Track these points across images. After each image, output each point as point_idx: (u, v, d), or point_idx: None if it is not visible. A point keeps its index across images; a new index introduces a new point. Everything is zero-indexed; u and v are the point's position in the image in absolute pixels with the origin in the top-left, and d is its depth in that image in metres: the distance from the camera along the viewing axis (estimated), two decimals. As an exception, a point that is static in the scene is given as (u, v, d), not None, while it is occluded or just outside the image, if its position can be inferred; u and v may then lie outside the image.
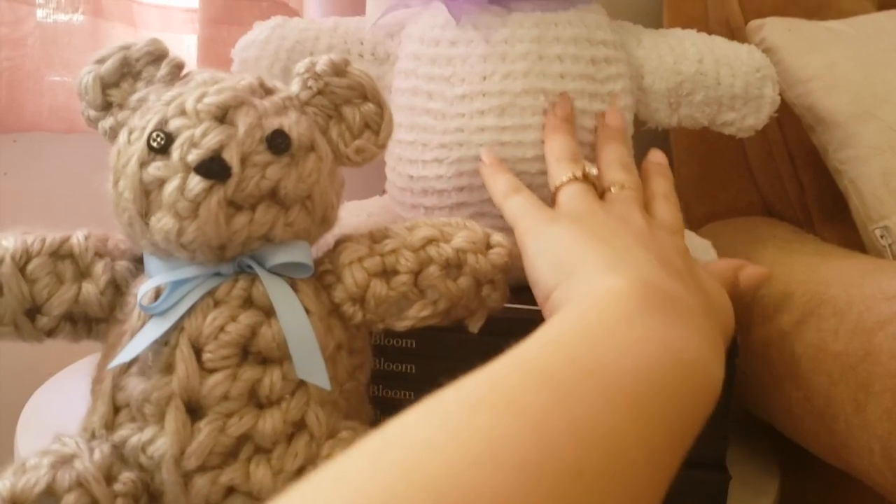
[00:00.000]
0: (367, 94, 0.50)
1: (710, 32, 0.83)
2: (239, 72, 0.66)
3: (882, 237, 0.71)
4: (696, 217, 0.92)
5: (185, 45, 0.83)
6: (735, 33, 0.86)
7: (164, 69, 0.49)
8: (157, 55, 0.50)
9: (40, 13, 0.69)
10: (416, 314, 0.50)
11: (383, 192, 0.70)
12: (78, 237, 0.50)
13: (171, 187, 0.44)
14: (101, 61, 0.50)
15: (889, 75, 0.74)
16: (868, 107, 0.72)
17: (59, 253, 0.49)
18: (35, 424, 0.64)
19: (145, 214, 0.45)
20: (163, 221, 0.44)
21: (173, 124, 0.45)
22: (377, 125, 0.50)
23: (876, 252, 0.72)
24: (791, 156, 0.85)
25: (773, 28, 0.77)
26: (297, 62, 0.61)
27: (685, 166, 0.93)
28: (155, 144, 0.45)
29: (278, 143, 0.45)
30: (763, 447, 0.67)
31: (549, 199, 0.56)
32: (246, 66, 0.65)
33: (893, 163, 0.71)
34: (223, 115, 0.45)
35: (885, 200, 0.71)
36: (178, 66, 0.50)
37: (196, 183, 0.43)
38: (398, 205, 0.66)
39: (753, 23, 0.80)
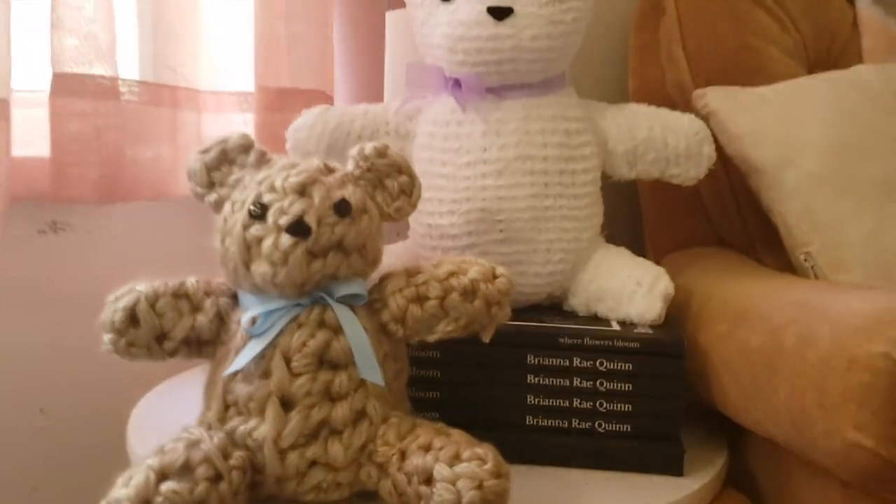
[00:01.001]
0: (402, 169, 0.68)
1: (666, 94, 1.02)
2: (292, 148, 0.84)
3: (805, 260, 0.89)
4: (660, 248, 1.09)
5: (234, 122, 1.01)
6: (686, 94, 1.04)
7: (252, 156, 0.67)
8: (246, 146, 0.68)
9: (131, 107, 0.87)
10: (443, 329, 0.67)
11: (406, 237, 0.88)
12: (191, 281, 0.67)
13: (267, 243, 0.62)
14: (205, 152, 0.68)
15: (805, 131, 0.91)
16: (789, 157, 0.90)
17: (178, 293, 0.66)
18: (144, 426, 0.81)
19: (247, 263, 0.63)
20: (262, 268, 0.62)
21: (266, 198, 0.63)
22: (410, 191, 0.68)
23: (802, 272, 0.90)
24: (736, 196, 1.03)
25: (714, 96, 0.96)
26: (337, 140, 0.81)
27: (650, 206, 1.11)
28: (254, 213, 0.62)
29: (342, 208, 0.63)
30: (712, 428, 0.84)
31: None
32: (297, 144, 0.83)
33: (811, 201, 0.89)
34: (303, 190, 0.63)
35: (807, 231, 0.89)
36: (263, 154, 0.68)
37: (286, 240, 0.61)
38: (420, 247, 0.84)
39: (697, 91, 0.98)
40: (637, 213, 1.14)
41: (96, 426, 1.01)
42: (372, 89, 1.00)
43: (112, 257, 0.99)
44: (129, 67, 0.93)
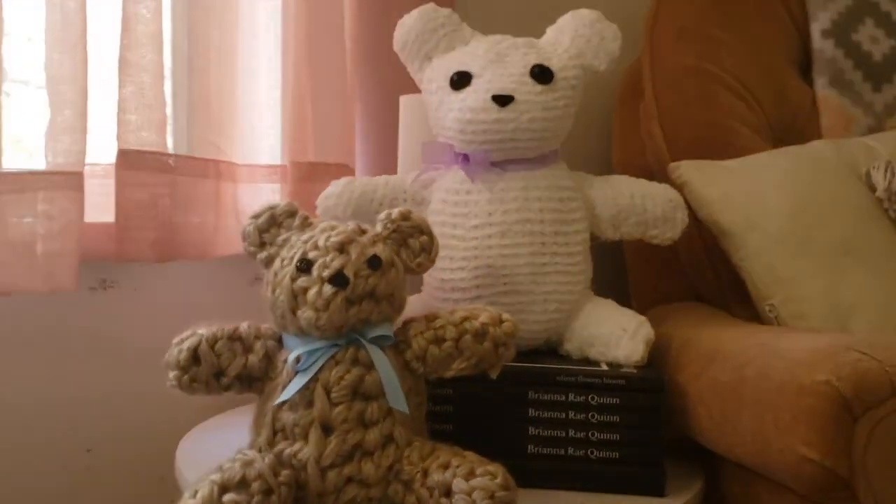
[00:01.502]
0: (423, 230, 0.81)
1: (646, 165, 1.15)
2: (322, 213, 0.96)
3: (770, 311, 1.01)
4: (643, 302, 1.22)
5: (264, 192, 1.14)
6: (664, 166, 1.17)
7: (297, 220, 0.80)
8: (291, 212, 0.80)
9: (181, 178, 1.00)
10: (458, 366, 0.79)
11: (420, 291, 1.00)
12: (244, 326, 0.79)
13: (312, 293, 0.74)
14: (256, 217, 0.80)
15: (766, 198, 1.04)
16: (752, 221, 1.03)
17: (233, 336, 0.78)
18: (192, 456, 0.91)
19: (294, 310, 0.75)
20: (307, 314, 0.74)
21: (311, 255, 0.75)
22: (430, 249, 0.81)
23: (767, 321, 1.02)
24: (709, 256, 1.15)
25: (687, 169, 1.09)
26: (362, 206, 0.94)
27: (635, 265, 1.24)
28: (301, 267, 0.75)
29: (374, 263, 0.75)
30: (690, 458, 0.95)
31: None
32: (327, 210, 0.96)
33: (772, 259, 1.01)
34: (342, 248, 0.75)
35: (769, 285, 1.01)
36: (306, 218, 0.80)
37: (329, 289, 0.73)
38: (433, 299, 0.96)
39: (672, 164, 1.11)
40: (622, 272, 1.27)
41: (138, 466, 1.11)
42: (387, 163, 1.13)
43: (155, 312, 1.11)
44: (179, 144, 1.07)
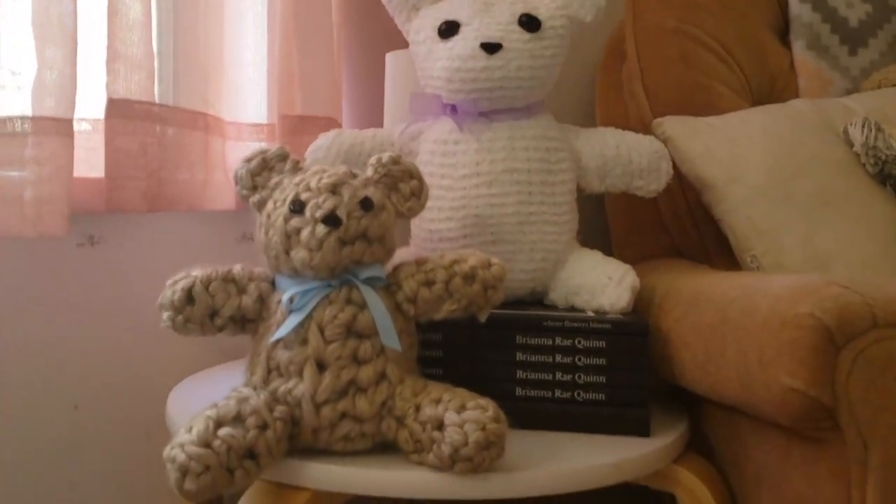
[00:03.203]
0: (413, 174, 0.82)
1: (629, 126, 1.17)
2: (310, 166, 0.97)
3: (751, 261, 1.03)
4: (626, 259, 1.21)
5: (250, 148, 1.14)
6: (646, 126, 1.18)
7: (289, 164, 0.81)
8: (283, 156, 0.81)
9: (170, 130, 1.01)
10: (447, 308, 0.80)
11: (408, 245, 1.01)
12: (237, 268, 0.80)
13: (305, 233, 0.74)
14: (248, 160, 0.81)
15: (747, 152, 1.06)
16: (733, 175, 1.05)
17: (227, 278, 0.79)
18: (183, 404, 0.92)
19: (287, 250, 0.76)
20: (301, 254, 0.75)
21: (304, 196, 0.76)
22: (419, 193, 0.82)
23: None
24: (691, 212, 1.18)
25: (670, 124, 1.11)
26: (350, 158, 0.95)
27: (616, 222, 1.26)
28: (293, 208, 0.75)
29: (367, 204, 0.76)
30: (674, 403, 0.97)
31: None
32: (315, 163, 0.96)
33: (752, 212, 1.03)
34: (334, 189, 0.76)
35: (750, 237, 1.03)
36: (297, 162, 0.81)
37: (322, 229, 0.74)
38: (422, 250, 0.97)
39: (656, 121, 1.13)
40: (605, 231, 1.29)
41: (125, 423, 1.11)
42: (373, 117, 1.14)
43: (142, 267, 1.11)
44: (167, 97, 1.07)
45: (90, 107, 1.03)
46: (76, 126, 0.99)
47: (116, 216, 1.07)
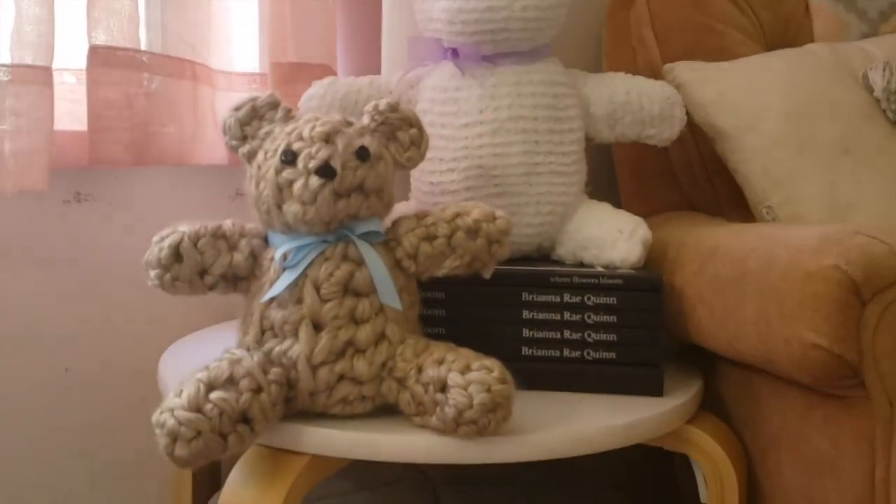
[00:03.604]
0: (413, 122, 0.77)
1: (638, 73, 1.12)
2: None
3: (767, 213, 0.99)
4: (635, 212, 1.17)
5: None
6: (656, 72, 1.14)
7: (280, 113, 0.76)
8: (273, 104, 0.76)
9: (157, 79, 0.95)
10: (450, 265, 0.76)
11: (407, 199, 0.97)
12: (227, 223, 0.75)
13: (298, 185, 0.70)
14: (237, 108, 0.76)
15: (763, 99, 1.02)
16: (749, 122, 1.00)
17: (217, 234, 0.75)
18: (176, 365, 0.88)
19: (279, 204, 0.71)
20: (293, 207, 0.70)
21: (296, 146, 0.71)
22: (419, 142, 0.77)
23: (764, 225, 1.00)
24: (704, 163, 1.13)
25: (682, 70, 1.06)
26: (346, 107, 0.90)
27: (626, 176, 1.21)
28: (285, 159, 0.71)
29: (363, 154, 0.72)
30: (688, 362, 0.93)
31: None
32: (309, 112, 0.91)
33: (768, 161, 0.99)
34: (328, 138, 0.71)
35: (766, 187, 0.99)
36: (289, 111, 0.76)
37: (315, 181, 0.70)
38: (422, 204, 0.92)
39: (667, 66, 1.08)
40: (613, 183, 1.24)
41: (118, 387, 1.08)
42: (370, 64, 1.09)
43: (131, 224, 1.07)
44: (153, 44, 1.02)
45: (74, 58, 0.97)
46: (59, 77, 0.94)
47: (104, 172, 1.03)
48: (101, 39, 0.91)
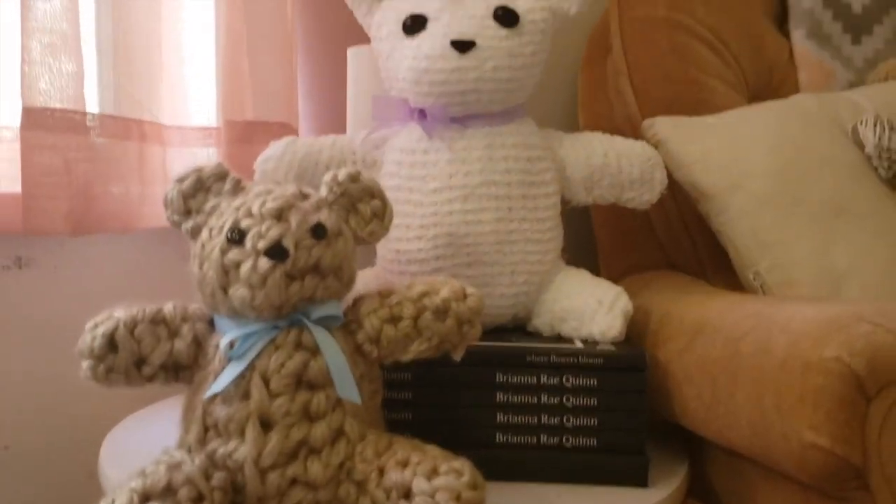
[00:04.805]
0: (375, 193, 0.70)
1: (616, 126, 1.07)
2: (260, 178, 0.86)
3: (754, 279, 0.93)
4: (615, 272, 1.13)
5: (199, 156, 1.02)
6: (634, 126, 1.09)
7: (228, 184, 0.69)
8: (221, 175, 0.69)
9: (100, 141, 0.88)
10: (417, 349, 0.69)
11: (373, 265, 0.90)
12: (168, 307, 0.68)
13: (245, 267, 0.63)
14: (181, 180, 0.69)
15: (750, 156, 0.96)
16: (735, 181, 0.95)
17: (156, 319, 0.67)
18: (116, 456, 0.80)
19: (225, 288, 0.64)
20: (240, 292, 0.63)
21: (244, 223, 0.64)
22: (382, 215, 0.71)
23: (751, 291, 0.94)
24: (685, 221, 1.07)
25: (662, 125, 1.00)
26: (306, 169, 0.83)
27: (603, 233, 1.15)
28: (232, 238, 0.64)
29: (319, 232, 0.65)
30: (673, 442, 0.87)
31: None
32: (266, 175, 0.85)
33: (757, 222, 0.93)
34: (280, 215, 0.64)
35: (754, 251, 0.93)
36: (238, 182, 0.69)
37: (264, 263, 0.63)
38: (389, 273, 0.86)
39: (647, 121, 1.02)
40: (590, 241, 1.18)
41: (63, 462, 1.00)
42: (334, 122, 1.02)
43: (76, 291, 0.99)
44: (96, 102, 0.94)
45: (10, 113, 0.90)
46: (-5, 134, 0.87)
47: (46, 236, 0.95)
48: (38, 99, 0.84)
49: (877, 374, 0.60)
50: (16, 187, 0.89)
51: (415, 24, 0.83)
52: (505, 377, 0.76)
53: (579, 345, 0.80)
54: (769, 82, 1.20)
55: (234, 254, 0.64)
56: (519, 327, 0.88)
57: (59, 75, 0.84)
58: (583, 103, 1.20)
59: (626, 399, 0.76)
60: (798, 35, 1.20)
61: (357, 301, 0.71)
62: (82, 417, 1.00)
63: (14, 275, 0.96)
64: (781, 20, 1.23)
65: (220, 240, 0.65)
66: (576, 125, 1.18)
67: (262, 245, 0.63)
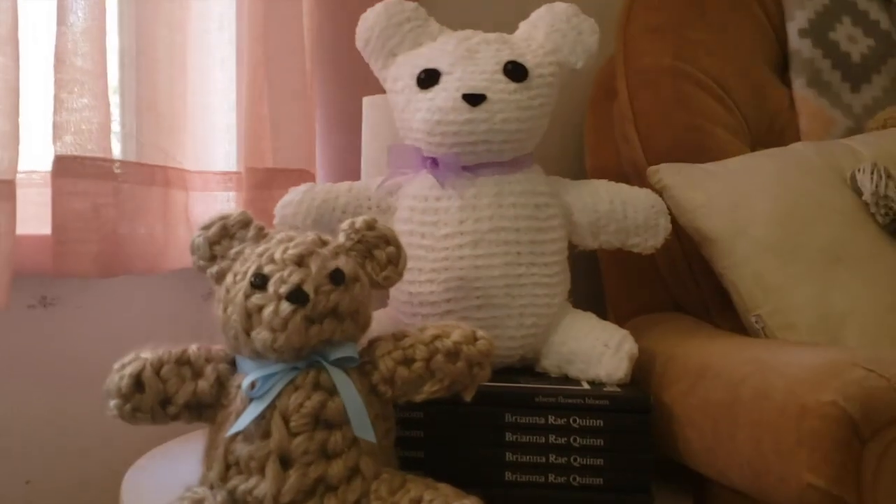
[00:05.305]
0: (390, 240, 0.74)
1: (622, 172, 1.10)
2: (280, 223, 0.89)
3: (756, 322, 0.96)
4: (622, 313, 1.16)
5: (219, 200, 1.06)
6: (640, 171, 1.12)
7: (252, 231, 0.73)
8: (245, 222, 0.73)
9: (126, 187, 0.92)
10: (429, 389, 0.72)
11: (386, 306, 0.93)
12: (192, 348, 0.72)
13: (268, 311, 0.66)
14: (206, 228, 0.73)
15: (752, 203, 0.99)
16: (739, 227, 0.98)
17: (181, 360, 0.71)
18: (137, 492, 0.83)
19: (248, 330, 0.68)
20: (262, 334, 0.67)
21: (267, 269, 0.68)
22: (397, 261, 0.74)
23: (753, 333, 0.96)
24: (689, 264, 1.10)
25: (666, 172, 1.03)
26: (323, 214, 0.87)
27: (611, 275, 1.18)
28: (255, 283, 0.67)
29: (337, 277, 0.68)
30: (678, 481, 0.89)
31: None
32: (285, 219, 0.89)
33: (760, 267, 0.96)
34: (300, 261, 0.68)
35: (757, 296, 0.96)
36: (261, 229, 0.73)
37: (286, 307, 0.66)
38: (401, 314, 0.89)
39: (651, 168, 1.05)
40: (597, 284, 1.21)
41: (83, 499, 1.02)
42: (350, 169, 1.06)
43: (100, 330, 1.03)
44: (124, 149, 0.99)
45: (40, 158, 0.94)
46: (26, 178, 0.91)
47: (71, 276, 0.99)
48: (69, 147, 0.88)
49: (871, 418, 0.62)
50: (43, 229, 0.93)
51: (429, 78, 0.87)
52: (514, 417, 0.79)
53: (586, 386, 0.83)
54: (771, 129, 1.23)
55: (257, 298, 0.67)
56: (527, 368, 0.90)
57: (89, 125, 0.89)
58: (590, 144, 1.23)
59: (631, 439, 0.79)
60: (798, 83, 1.23)
61: (372, 343, 0.74)
62: (103, 453, 1.02)
63: (39, 314, 0.99)
64: (782, 69, 1.26)
65: (243, 284, 0.68)
66: (580, 166, 1.22)
67: (283, 290, 0.66)
